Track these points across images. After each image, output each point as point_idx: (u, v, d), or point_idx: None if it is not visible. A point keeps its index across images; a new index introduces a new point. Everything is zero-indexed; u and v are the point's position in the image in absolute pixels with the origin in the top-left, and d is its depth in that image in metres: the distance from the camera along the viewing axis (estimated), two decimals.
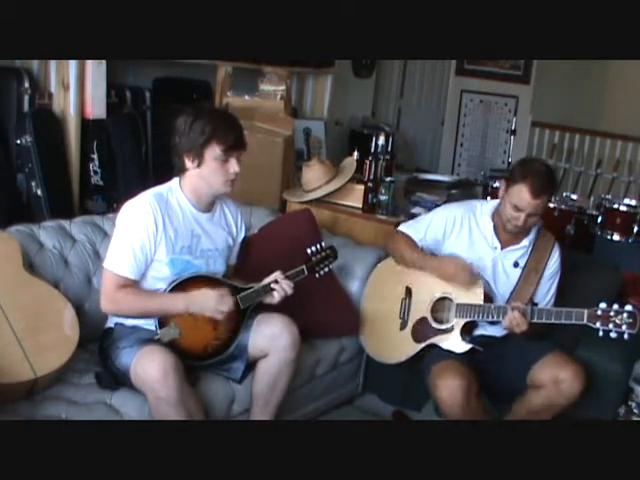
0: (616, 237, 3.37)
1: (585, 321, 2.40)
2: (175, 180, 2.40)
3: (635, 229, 3.35)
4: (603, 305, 2.39)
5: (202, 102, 3.86)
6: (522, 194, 2.50)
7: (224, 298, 2.31)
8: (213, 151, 2.27)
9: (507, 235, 2.66)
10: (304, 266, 2.54)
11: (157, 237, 2.29)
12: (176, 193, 2.38)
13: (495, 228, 2.67)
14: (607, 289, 2.95)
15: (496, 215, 2.67)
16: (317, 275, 2.59)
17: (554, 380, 2.47)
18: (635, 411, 2.72)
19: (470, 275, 2.61)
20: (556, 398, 2.47)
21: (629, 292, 3.03)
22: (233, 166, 2.30)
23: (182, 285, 2.34)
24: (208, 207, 2.43)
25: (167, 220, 2.32)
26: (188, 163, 2.30)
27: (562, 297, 2.73)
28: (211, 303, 2.29)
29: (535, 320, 2.48)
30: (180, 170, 2.35)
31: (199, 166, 2.30)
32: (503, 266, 2.68)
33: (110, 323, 2.40)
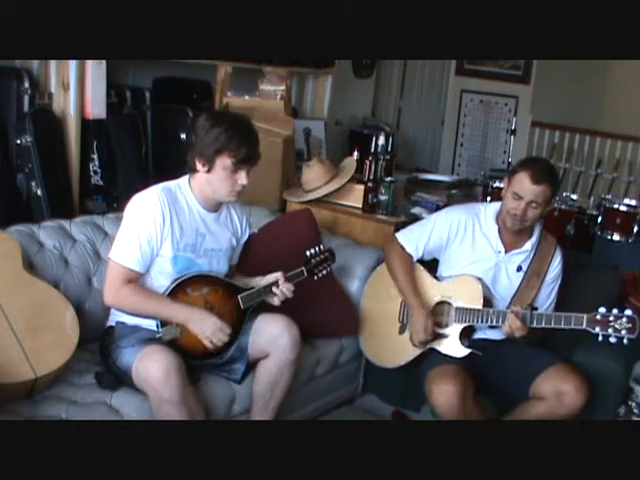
0: (616, 237, 3.36)
1: (584, 326, 2.39)
2: (185, 178, 2.41)
3: (635, 229, 3.34)
4: (602, 310, 2.38)
5: (202, 102, 3.85)
6: (522, 180, 2.51)
7: (221, 333, 2.31)
8: (224, 161, 2.27)
9: (511, 237, 2.65)
10: (303, 268, 2.55)
11: (164, 231, 2.30)
12: (184, 191, 2.38)
13: (499, 231, 2.66)
14: (607, 289, 2.95)
15: (500, 217, 2.66)
16: (315, 277, 2.60)
17: (557, 393, 2.46)
18: (635, 411, 2.72)
19: (423, 342, 2.63)
20: (558, 409, 2.46)
21: (629, 292, 3.03)
22: (242, 178, 2.31)
23: (184, 284, 2.34)
24: (215, 207, 2.44)
25: (174, 216, 2.32)
26: (199, 166, 2.31)
27: (562, 298, 2.73)
28: (208, 330, 2.29)
29: (535, 325, 2.47)
30: (191, 169, 2.36)
31: (208, 172, 2.31)
32: (506, 270, 2.67)
33: (111, 322, 2.40)
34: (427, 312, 2.65)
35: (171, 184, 2.39)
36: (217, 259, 2.45)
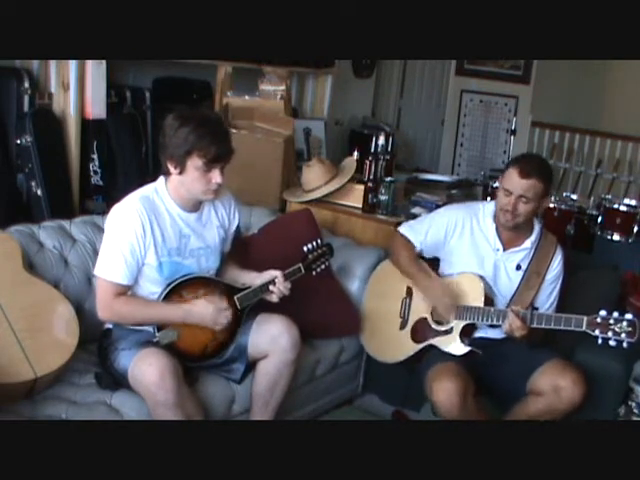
0: (616, 237, 3.36)
1: (584, 328, 2.39)
2: (161, 180, 2.36)
3: (635, 229, 3.34)
4: (603, 312, 2.38)
5: (202, 102, 3.85)
6: (511, 176, 2.53)
7: (222, 312, 2.32)
8: (194, 162, 2.22)
9: (509, 236, 2.66)
10: (301, 264, 2.54)
11: (146, 241, 2.27)
12: (162, 194, 2.34)
13: (497, 229, 2.67)
14: (607, 289, 2.95)
15: (495, 215, 2.67)
16: (314, 272, 2.59)
17: (554, 388, 2.46)
18: (635, 411, 2.72)
19: (451, 306, 2.62)
20: (556, 405, 2.47)
21: (629, 292, 3.02)
22: (215, 177, 2.26)
23: (178, 288, 2.33)
24: (195, 207, 2.39)
25: (154, 223, 2.29)
26: (171, 168, 2.27)
27: (562, 297, 2.73)
28: (209, 317, 2.30)
29: (535, 325, 2.48)
30: (164, 172, 2.32)
31: (181, 173, 2.26)
32: (505, 268, 2.67)
33: (109, 324, 2.40)
34: (443, 286, 2.65)
35: (148, 191, 2.34)
36: (205, 257, 2.43)
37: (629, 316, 2.36)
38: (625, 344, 2.35)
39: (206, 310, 2.30)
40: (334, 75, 4.78)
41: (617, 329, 2.35)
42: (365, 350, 2.98)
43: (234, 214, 2.55)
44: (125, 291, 2.28)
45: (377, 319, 2.91)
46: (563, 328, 2.44)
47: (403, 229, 2.83)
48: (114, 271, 2.25)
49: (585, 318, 2.39)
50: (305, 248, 2.58)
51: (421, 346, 2.69)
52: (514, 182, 2.52)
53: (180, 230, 2.36)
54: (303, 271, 2.54)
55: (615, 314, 2.37)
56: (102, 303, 2.27)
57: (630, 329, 2.33)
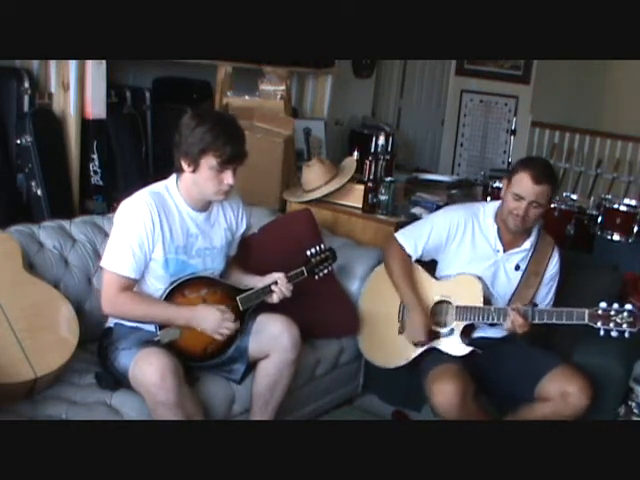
0: (616, 237, 3.37)
1: (586, 321, 2.40)
2: (172, 178, 2.38)
3: (635, 229, 3.35)
4: (603, 304, 2.40)
5: (202, 102, 3.86)
6: (523, 181, 2.51)
7: (227, 322, 2.31)
8: (209, 161, 2.23)
9: (510, 237, 2.65)
10: (304, 268, 2.54)
11: (154, 235, 2.28)
12: (173, 192, 2.36)
13: (498, 230, 2.66)
14: (607, 289, 2.94)
15: (499, 217, 2.66)
16: (316, 277, 2.59)
17: (562, 394, 2.46)
18: (635, 411, 2.72)
19: (420, 341, 2.65)
20: (564, 410, 2.46)
21: (629, 292, 3.03)
22: (228, 178, 2.27)
23: (181, 287, 2.33)
24: (205, 207, 2.41)
25: (163, 219, 2.30)
26: (184, 166, 2.28)
27: (562, 297, 2.73)
28: (213, 324, 2.29)
29: (536, 321, 2.48)
30: (177, 170, 2.34)
31: (194, 172, 2.27)
32: (505, 269, 2.67)
33: (110, 323, 2.40)
34: (425, 312, 2.66)
35: (159, 187, 2.36)
36: (211, 257, 2.44)
37: (629, 307, 2.38)
38: (627, 334, 2.36)
39: (212, 318, 2.30)
40: (334, 75, 4.79)
41: (618, 320, 2.37)
42: (364, 356, 2.97)
43: (242, 218, 2.56)
44: (131, 285, 2.29)
45: (375, 324, 2.89)
46: (565, 322, 2.44)
47: (400, 237, 2.79)
48: (121, 264, 2.25)
49: (587, 311, 2.41)
50: (308, 252, 2.58)
51: (421, 349, 2.69)
52: (526, 188, 2.50)
53: (188, 229, 2.37)
54: (306, 274, 2.54)
55: (615, 305, 2.39)
56: (107, 296, 2.28)
57: (631, 319, 2.36)
